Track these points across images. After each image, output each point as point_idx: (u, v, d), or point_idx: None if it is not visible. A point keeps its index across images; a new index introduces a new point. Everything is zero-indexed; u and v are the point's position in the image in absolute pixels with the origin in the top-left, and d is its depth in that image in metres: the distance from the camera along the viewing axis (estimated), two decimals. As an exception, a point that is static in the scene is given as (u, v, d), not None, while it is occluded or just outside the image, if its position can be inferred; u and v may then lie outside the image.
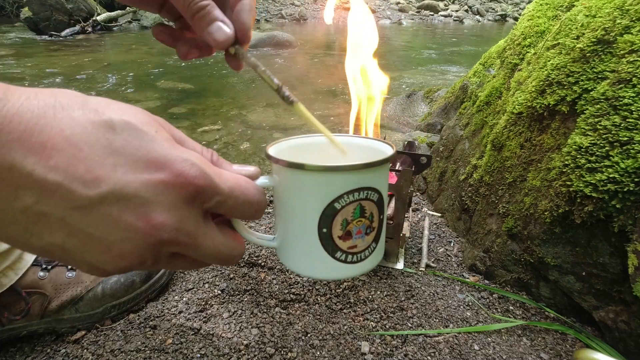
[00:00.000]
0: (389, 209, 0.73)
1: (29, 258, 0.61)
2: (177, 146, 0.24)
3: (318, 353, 0.60)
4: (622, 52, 0.57)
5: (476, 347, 0.61)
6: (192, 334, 0.62)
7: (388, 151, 0.35)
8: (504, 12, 6.93)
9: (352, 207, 0.30)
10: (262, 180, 0.30)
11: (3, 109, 0.18)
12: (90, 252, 0.22)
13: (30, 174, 0.19)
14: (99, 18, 5.84)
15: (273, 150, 0.34)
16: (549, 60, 0.68)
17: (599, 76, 0.59)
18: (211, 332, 0.63)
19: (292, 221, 0.32)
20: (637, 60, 0.55)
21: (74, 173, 0.20)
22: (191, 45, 0.36)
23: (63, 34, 5.24)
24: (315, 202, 0.30)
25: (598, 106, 0.57)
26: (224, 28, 0.30)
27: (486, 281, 0.75)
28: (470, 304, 0.69)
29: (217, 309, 0.67)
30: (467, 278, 0.76)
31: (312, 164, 0.28)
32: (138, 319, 0.65)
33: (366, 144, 0.38)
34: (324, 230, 0.30)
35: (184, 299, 0.69)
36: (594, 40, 0.61)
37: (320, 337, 0.62)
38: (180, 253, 0.26)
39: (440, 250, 0.84)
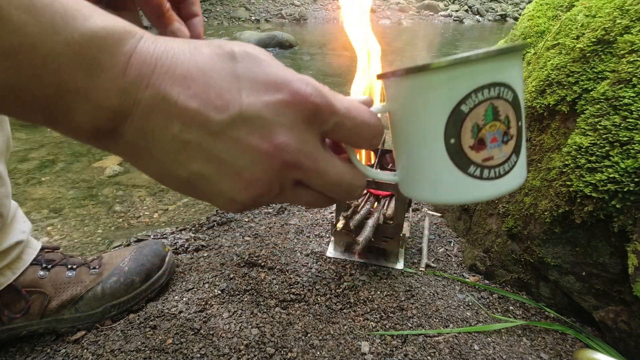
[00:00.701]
0: (389, 209, 0.73)
1: (28, 258, 0.61)
2: (291, 70, 0.25)
3: (318, 353, 0.60)
4: (622, 52, 0.57)
5: (476, 347, 0.61)
6: (192, 334, 0.62)
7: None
8: (504, 12, 6.93)
9: (483, 108, 0.25)
10: (377, 107, 0.28)
11: (156, 48, 0.22)
12: (224, 180, 0.24)
13: (176, 102, 0.22)
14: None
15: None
16: (549, 60, 0.68)
17: (599, 76, 0.59)
18: (211, 332, 0.63)
19: (415, 140, 0.28)
20: (637, 60, 0.55)
21: (207, 99, 0.22)
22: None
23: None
24: (438, 108, 0.26)
25: (598, 106, 0.57)
26: (183, 29, 0.38)
27: (486, 281, 0.75)
28: (470, 304, 0.69)
29: (217, 309, 0.67)
30: (467, 278, 0.76)
31: (437, 61, 0.25)
32: (138, 319, 0.65)
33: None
34: (452, 140, 0.26)
35: (184, 299, 0.69)
36: (594, 40, 0.61)
37: (320, 337, 0.62)
38: (303, 182, 0.26)
39: (440, 250, 0.84)
